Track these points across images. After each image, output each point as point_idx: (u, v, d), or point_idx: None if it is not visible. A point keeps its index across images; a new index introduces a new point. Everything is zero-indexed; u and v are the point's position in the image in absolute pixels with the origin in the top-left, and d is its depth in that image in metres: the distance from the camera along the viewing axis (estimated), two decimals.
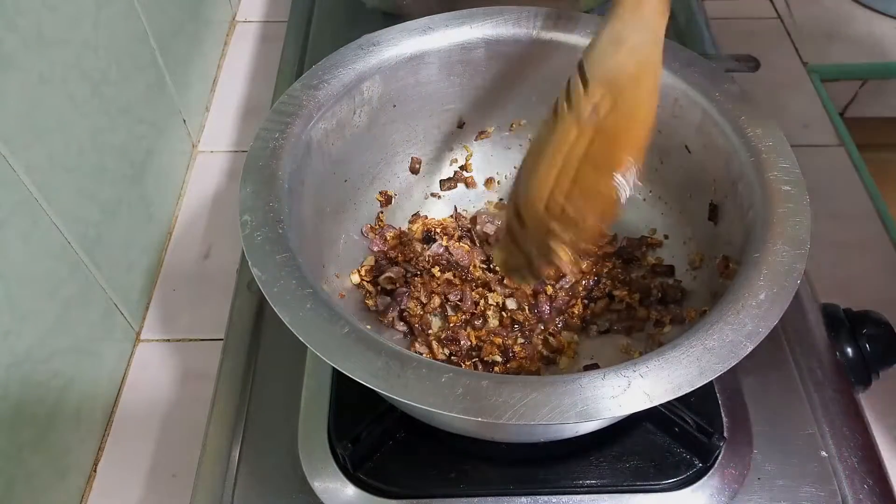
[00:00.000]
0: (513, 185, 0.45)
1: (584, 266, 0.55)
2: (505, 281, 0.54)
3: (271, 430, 0.49)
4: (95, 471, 0.54)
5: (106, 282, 0.55)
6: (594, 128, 0.40)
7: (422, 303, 0.53)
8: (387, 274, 0.53)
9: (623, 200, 0.40)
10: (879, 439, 0.49)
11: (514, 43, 0.54)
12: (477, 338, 0.51)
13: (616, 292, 0.53)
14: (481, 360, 0.50)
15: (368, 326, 0.50)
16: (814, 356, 0.52)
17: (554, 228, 0.41)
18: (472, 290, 0.53)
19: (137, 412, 0.57)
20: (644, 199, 0.57)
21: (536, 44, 0.54)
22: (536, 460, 0.47)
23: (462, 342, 0.50)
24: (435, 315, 0.53)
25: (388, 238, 0.56)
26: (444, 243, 0.56)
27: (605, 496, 0.45)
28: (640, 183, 0.57)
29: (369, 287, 0.53)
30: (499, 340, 0.51)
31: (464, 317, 0.52)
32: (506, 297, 0.53)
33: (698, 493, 0.45)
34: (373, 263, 0.55)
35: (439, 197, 0.61)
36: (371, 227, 0.56)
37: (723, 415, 0.48)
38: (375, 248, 0.56)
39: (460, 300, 0.53)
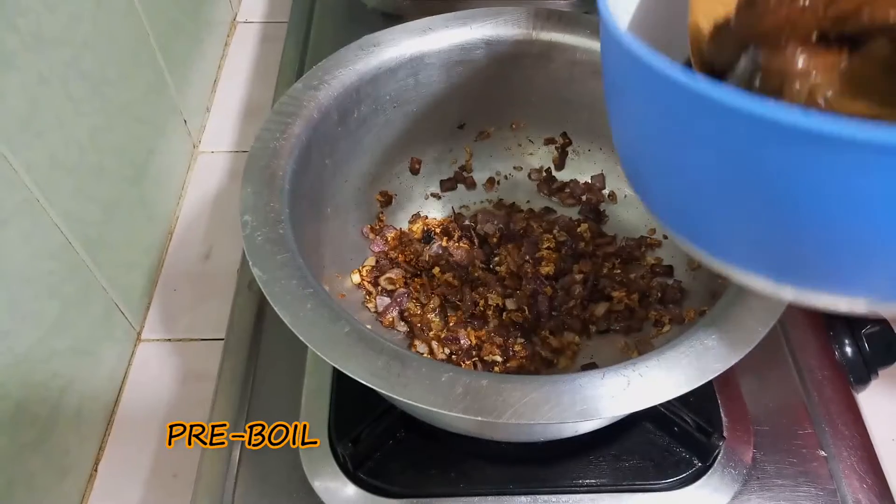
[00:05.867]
0: None
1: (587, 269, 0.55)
2: (505, 281, 0.54)
3: None
4: (96, 471, 0.54)
5: (106, 281, 0.55)
6: None
7: (422, 303, 0.53)
8: (387, 275, 0.53)
9: None
10: (878, 439, 0.49)
11: (514, 43, 0.54)
12: (477, 338, 0.51)
13: (615, 293, 0.53)
14: (481, 360, 0.50)
15: (369, 326, 0.50)
16: (813, 355, 0.52)
17: None
18: (472, 291, 0.53)
19: (138, 412, 0.57)
20: None
21: (536, 44, 0.54)
22: (536, 460, 0.47)
23: (462, 342, 0.50)
24: (435, 315, 0.53)
25: (389, 238, 0.56)
26: (444, 244, 0.56)
27: (605, 496, 0.45)
28: None
29: (369, 287, 0.53)
30: (499, 340, 0.51)
31: (464, 317, 0.52)
32: (505, 297, 0.53)
33: (698, 493, 0.45)
34: (373, 264, 0.55)
35: (439, 197, 0.61)
36: (371, 227, 0.56)
37: (722, 414, 0.48)
38: (376, 249, 0.56)
39: (460, 300, 0.53)
